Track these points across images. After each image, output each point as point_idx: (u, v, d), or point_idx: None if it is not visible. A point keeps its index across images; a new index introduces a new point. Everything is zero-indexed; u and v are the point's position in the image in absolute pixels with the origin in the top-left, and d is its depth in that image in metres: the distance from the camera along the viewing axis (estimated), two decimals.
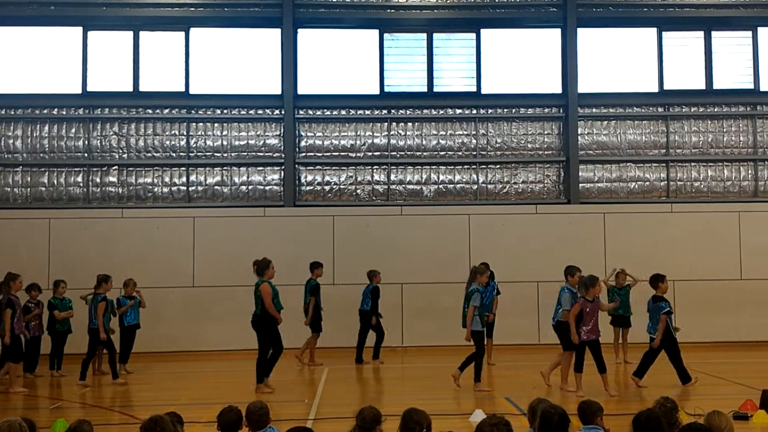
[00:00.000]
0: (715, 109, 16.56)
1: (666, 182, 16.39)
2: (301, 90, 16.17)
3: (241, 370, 12.34)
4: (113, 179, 15.93)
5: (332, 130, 16.27)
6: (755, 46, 16.62)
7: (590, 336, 9.96)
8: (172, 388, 11.18)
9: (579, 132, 16.23)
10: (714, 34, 16.63)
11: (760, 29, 16.62)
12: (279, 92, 16.04)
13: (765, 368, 10.53)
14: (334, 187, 16.17)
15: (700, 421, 4.78)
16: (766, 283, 15.06)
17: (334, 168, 16.19)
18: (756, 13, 16.50)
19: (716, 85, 16.58)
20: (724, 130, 16.60)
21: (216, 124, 16.14)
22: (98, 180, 15.91)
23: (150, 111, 16.07)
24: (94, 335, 11.52)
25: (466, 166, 16.29)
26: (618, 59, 16.57)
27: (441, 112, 16.36)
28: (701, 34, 16.63)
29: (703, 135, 16.54)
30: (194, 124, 16.12)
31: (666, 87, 16.52)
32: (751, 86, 16.60)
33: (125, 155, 15.98)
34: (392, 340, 14.40)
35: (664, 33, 16.60)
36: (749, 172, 16.51)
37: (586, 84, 16.31)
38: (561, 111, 16.34)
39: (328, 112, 16.23)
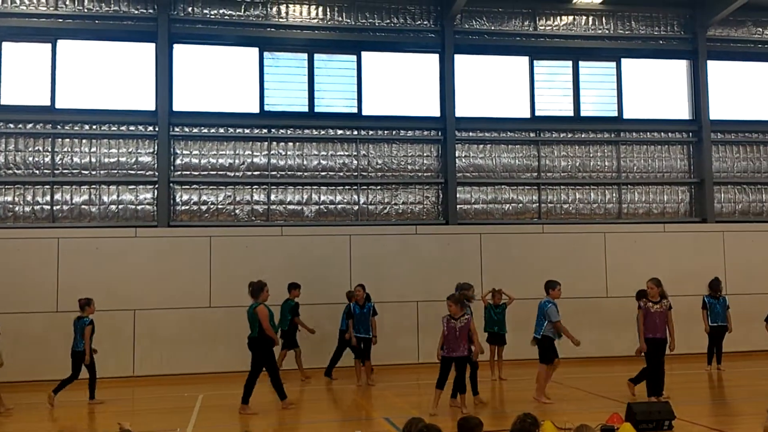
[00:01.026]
0: (582, 135, 17.43)
1: (538, 204, 17.04)
2: (177, 107, 15.68)
3: (110, 398, 11.69)
4: None
5: (210, 149, 15.86)
6: (619, 76, 17.65)
7: (453, 353, 9.78)
8: (32, 420, 10.41)
9: (457, 155, 16.62)
10: (581, 63, 17.55)
11: (623, 60, 17.68)
12: (153, 108, 15.48)
13: None
14: (212, 206, 15.74)
15: None
16: (629, 300, 15.75)
17: (211, 187, 15.76)
18: (620, 45, 17.57)
19: (583, 113, 17.46)
20: (591, 155, 17.49)
21: (84, 141, 15.36)
22: None
23: (12, 125, 15.11)
24: (77, 357, 11.53)
25: (347, 187, 16.30)
26: (493, 85, 17.14)
27: (322, 132, 16.31)
28: (570, 63, 17.51)
29: (571, 159, 17.35)
30: (60, 139, 15.27)
31: (537, 113, 17.23)
32: (615, 114, 17.59)
33: None
34: None
35: (535, 62, 17.35)
36: (614, 195, 17.44)
37: (463, 108, 16.75)
38: (440, 134, 16.69)
39: (206, 130, 15.82)
